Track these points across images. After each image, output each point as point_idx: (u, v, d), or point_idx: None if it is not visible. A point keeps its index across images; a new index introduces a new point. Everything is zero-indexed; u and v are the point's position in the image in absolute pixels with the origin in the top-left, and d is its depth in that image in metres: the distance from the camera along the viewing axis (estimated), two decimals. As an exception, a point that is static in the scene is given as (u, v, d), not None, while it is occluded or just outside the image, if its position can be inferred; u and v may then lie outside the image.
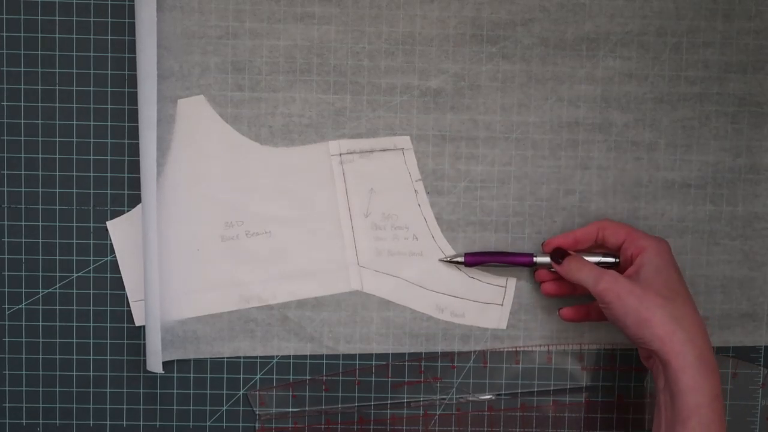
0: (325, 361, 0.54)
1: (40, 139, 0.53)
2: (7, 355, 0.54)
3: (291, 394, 0.54)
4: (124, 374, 0.54)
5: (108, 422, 0.55)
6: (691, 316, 0.45)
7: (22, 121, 0.53)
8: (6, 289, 0.54)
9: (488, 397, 0.55)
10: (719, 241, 0.54)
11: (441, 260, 0.53)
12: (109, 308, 0.54)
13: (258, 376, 0.54)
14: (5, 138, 0.53)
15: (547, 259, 0.51)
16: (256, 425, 0.55)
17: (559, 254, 0.50)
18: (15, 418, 0.54)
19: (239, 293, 0.53)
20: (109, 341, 0.54)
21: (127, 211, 0.53)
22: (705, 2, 0.53)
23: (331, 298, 0.54)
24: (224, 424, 0.55)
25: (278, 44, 0.52)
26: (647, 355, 0.47)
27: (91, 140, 0.53)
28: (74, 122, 0.53)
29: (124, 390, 0.54)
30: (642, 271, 0.47)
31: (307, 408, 0.54)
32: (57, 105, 0.52)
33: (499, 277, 0.54)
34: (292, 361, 0.54)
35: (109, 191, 0.53)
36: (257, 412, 0.54)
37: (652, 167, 0.53)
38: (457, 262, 0.53)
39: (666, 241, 0.49)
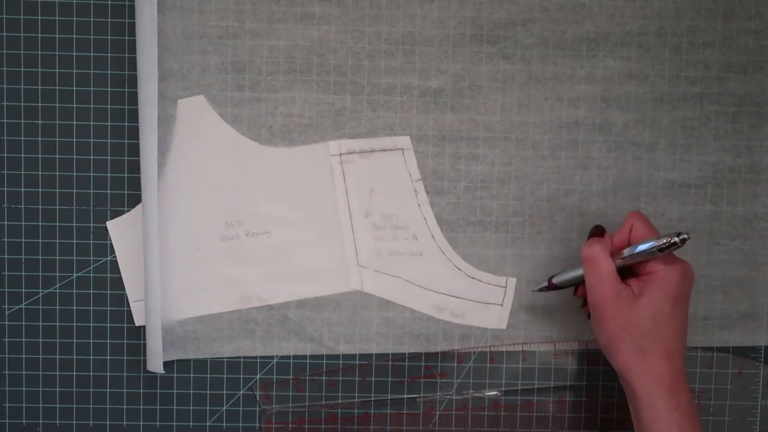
0: (325, 361, 0.54)
1: (40, 139, 0.53)
2: (7, 355, 0.54)
3: (297, 390, 0.54)
4: (124, 374, 0.54)
5: (108, 422, 0.55)
6: (662, 348, 0.45)
7: (22, 121, 0.53)
8: (6, 289, 0.54)
9: (492, 393, 0.55)
10: (719, 241, 0.54)
11: (535, 291, 0.53)
12: (109, 308, 0.54)
13: (258, 376, 0.54)
14: (5, 138, 0.53)
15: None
16: (258, 424, 0.55)
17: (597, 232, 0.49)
18: (15, 418, 0.54)
19: (239, 293, 0.53)
20: (109, 341, 0.54)
21: (127, 211, 0.53)
22: (705, 2, 0.53)
23: (331, 298, 0.54)
24: (224, 424, 0.55)
25: (278, 44, 0.52)
26: None
27: (91, 140, 0.53)
28: (74, 122, 0.53)
29: (124, 390, 0.54)
30: (638, 299, 0.45)
31: (317, 403, 0.54)
32: (57, 105, 0.52)
33: (499, 277, 0.54)
34: (292, 361, 0.54)
35: (109, 191, 0.53)
36: (262, 407, 0.54)
37: (652, 167, 0.53)
38: (545, 289, 0.52)
39: (682, 267, 0.46)
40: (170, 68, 0.52)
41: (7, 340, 0.54)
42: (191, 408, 0.54)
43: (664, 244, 0.45)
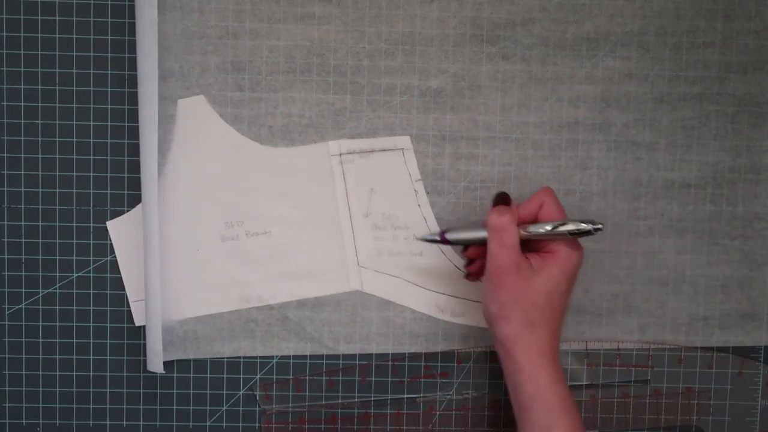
0: (325, 361, 0.54)
1: (40, 139, 0.53)
2: (7, 355, 0.54)
3: (297, 390, 0.54)
4: (124, 374, 0.54)
5: (108, 422, 0.55)
6: (550, 324, 0.45)
7: (22, 121, 0.53)
8: (6, 289, 0.54)
9: (493, 393, 0.55)
10: (719, 241, 0.54)
11: (418, 238, 0.51)
12: (109, 308, 0.54)
13: (258, 376, 0.54)
14: (5, 138, 0.53)
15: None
16: (258, 424, 0.55)
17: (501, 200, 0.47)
18: (15, 418, 0.54)
19: (239, 293, 0.53)
20: (109, 341, 0.54)
21: (127, 211, 0.53)
22: (705, 2, 0.53)
23: (331, 298, 0.54)
24: (224, 424, 0.55)
25: (278, 44, 0.52)
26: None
27: (91, 140, 0.53)
28: (74, 122, 0.53)
29: (124, 390, 0.54)
30: (537, 274, 0.45)
31: (317, 403, 0.54)
32: (57, 105, 0.52)
33: (499, 277, 0.54)
34: (292, 361, 0.54)
35: (109, 191, 0.53)
36: (262, 407, 0.54)
37: (652, 167, 0.53)
38: (433, 241, 0.49)
39: (580, 251, 0.47)
40: (170, 68, 0.52)
41: (7, 340, 0.54)
42: (191, 408, 0.54)
43: (580, 230, 0.46)
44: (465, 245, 0.49)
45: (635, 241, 0.54)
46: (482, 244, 0.47)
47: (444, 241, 0.49)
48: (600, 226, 0.46)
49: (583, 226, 0.46)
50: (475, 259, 0.49)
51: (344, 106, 0.53)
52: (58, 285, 0.54)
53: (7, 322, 0.54)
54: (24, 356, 0.54)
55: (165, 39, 0.51)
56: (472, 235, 0.48)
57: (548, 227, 0.46)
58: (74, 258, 0.53)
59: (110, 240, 0.53)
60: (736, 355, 0.55)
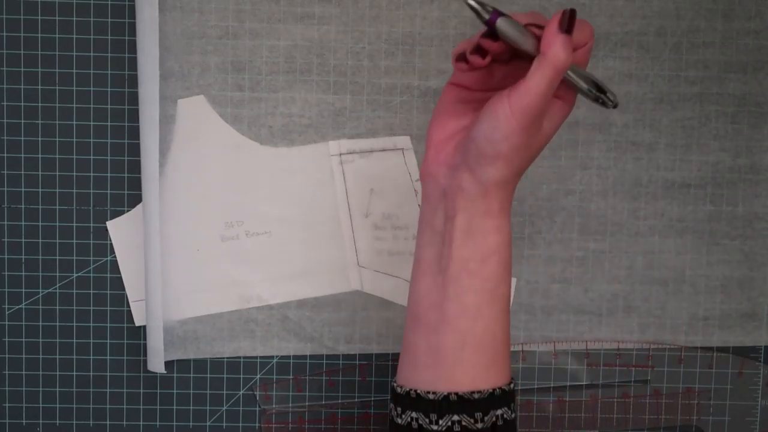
0: (325, 361, 0.54)
1: (40, 139, 0.53)
2: (7, 355, 0.54)
3: (297, 390, 0.54)
4: (124, 374, 0.54)
5: (108, 422, 0.55)
6: (529, 157, 0.39)
7: (22, 121, 0.53)
8: (6, 289, 0.54)
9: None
10: (719, 241, 0.54)
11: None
12: (109, 308, 0.54)
13: (258, 376, 0.54)
14: (5, 138, 0.53)
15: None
16: (258, 424, 0.55)
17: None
18: (15, 418, 0.54)
19: (239, 293, 0.53)
20: (109, 341, 0.54)
21: (127, 211, 0.53)
22: (705, 2, 0.53)
23: (331, 298, 0.54)
24: (224, 424, 0.55)
25: (278, 44, 0.52)
26: (443, 192, 0.39)
27: (91, 140, 0.53)
28: (74, 122, 0.53)
29: (124, 390, 0.54)
30: (547, 124, 0.38)
31: (317, 403, 0.54)
32: (57, 105, 0.52)
33: (499, 277, 0.54)
34: (292, 361, 0.54)
35: (109, 191, 0.53)
36: (262, 407, 0.54)
37: (652, 167, 0.53)
38: (478, 14, 0.36)
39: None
40: (170, 68, 0.52)
41: (7, 340, 0.54)
42: (191, 408, 0.54)
43: (602, 99, 0.38)
44: (491, 35, 0.37)
45: (635, 241, 0.54)
46: (525, 55, 0.37)
47: (489, 24, 0.36)
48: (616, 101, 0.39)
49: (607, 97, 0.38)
50: (487, 54, 0.37)
51: (344, 106, 0.53)
52: (58, 285, 0.54)
53: (7, 322, 0.54)
54: (24, 356, 0.54)
55: (165, 39, 0.51)
56: (523, 40, 0.36)
57: (585, 85, 0.38)
58: (74, 258, 0.53)
59: (110, 240, 0.53)
60: (736, 355, 0.55)
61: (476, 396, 0.39)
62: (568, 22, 0.35)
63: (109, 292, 0.54)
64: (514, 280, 0.54)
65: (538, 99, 0.36)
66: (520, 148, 0.37)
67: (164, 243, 0.52)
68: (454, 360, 0.39)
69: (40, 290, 0.54)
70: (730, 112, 0.53)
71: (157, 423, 0.55)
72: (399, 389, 0.40)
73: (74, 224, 0.53)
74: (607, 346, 0.55)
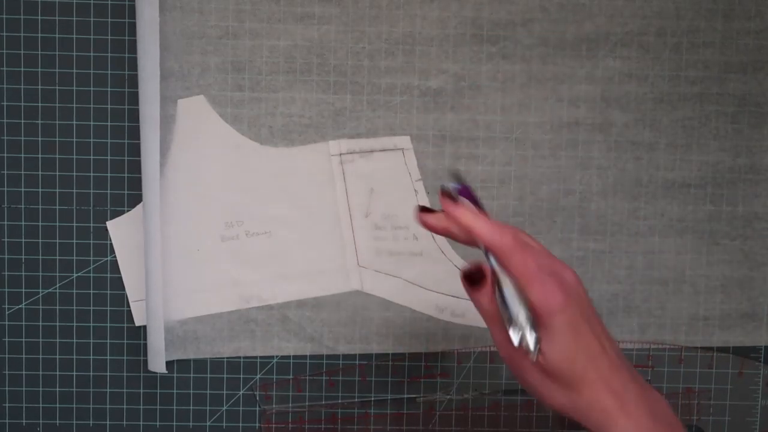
0: (325, 361, 0.54)
1: (40, 139, 0.53)
2: (7, 355, 0.54)
3: (297, 390, 0.54)
4: (124, 374, 0.54)
5: (108, 422, 0.55)
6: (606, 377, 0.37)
7: (22, 121, 0.53)
8: (6, 289, 0.54)
9: (492, 393, 0.55)
10: (719, 241, 0.54)
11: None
12: (109, 308, 0.54)
13: (258, 376, 0.54)
14: (5, 138, 0.53)
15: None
16: (258, 424, 0.55)
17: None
18: (15, 418, 0.54)
19: (239, 293, 0.53)
20: (109, 341, 0.54)
21: (127, 211, 0.53)
22: (705, 2, 0.53)
23: (331, 298, 0.54)
24: (224, 424, 0.55)
25: (278, 44, 0.52)
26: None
27: (91, 140, 0.53)
28: (74, 122, 0.53)
29: (124, 390, 0.54)
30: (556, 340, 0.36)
31: (317, 403, 0.54)
32: (57, 105, 0.52)
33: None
34: (292, 361, 0.54)
35: (109, 191, 0.53)
36: (262, 407, 0.54)
37: (652, 167, 0.53)
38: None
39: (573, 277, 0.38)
40: (170, 68, 0.52)
41: (7, 340, 0.54)
42: (191, 408, 0.54)
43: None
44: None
45: (635, 241, 0.54)
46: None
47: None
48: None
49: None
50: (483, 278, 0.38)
51: (344, 106, 0.53)
52: (58, 285, 0.54)
53: (7, 322, 0.54)
54: (24, 356, 0.54)
55: (165, 39, 0.51)
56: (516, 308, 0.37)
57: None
58: (74, 258, 0.53)
59: (110, 240, 0.53)
60: (736, 355, 0.55)
61: None
62: (450, 197, 0.38)
63: (109, 292, 0.54)
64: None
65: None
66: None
67: (164, 243, 0.52)
68: None
69: (40, 290, 0.54)
70: (730, 112, 0.53)
71: (157, 423, 0.55)
72: None
73: (74, 224, 0.53)
74: (607, 346, 0.55)
